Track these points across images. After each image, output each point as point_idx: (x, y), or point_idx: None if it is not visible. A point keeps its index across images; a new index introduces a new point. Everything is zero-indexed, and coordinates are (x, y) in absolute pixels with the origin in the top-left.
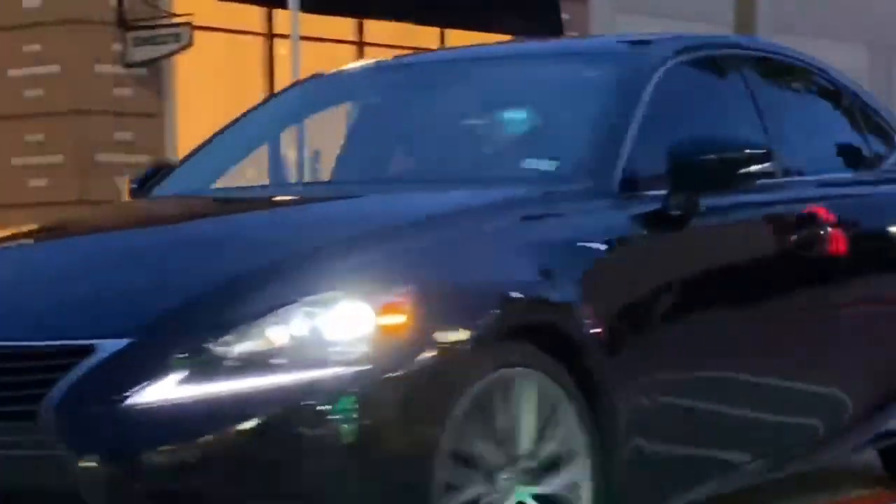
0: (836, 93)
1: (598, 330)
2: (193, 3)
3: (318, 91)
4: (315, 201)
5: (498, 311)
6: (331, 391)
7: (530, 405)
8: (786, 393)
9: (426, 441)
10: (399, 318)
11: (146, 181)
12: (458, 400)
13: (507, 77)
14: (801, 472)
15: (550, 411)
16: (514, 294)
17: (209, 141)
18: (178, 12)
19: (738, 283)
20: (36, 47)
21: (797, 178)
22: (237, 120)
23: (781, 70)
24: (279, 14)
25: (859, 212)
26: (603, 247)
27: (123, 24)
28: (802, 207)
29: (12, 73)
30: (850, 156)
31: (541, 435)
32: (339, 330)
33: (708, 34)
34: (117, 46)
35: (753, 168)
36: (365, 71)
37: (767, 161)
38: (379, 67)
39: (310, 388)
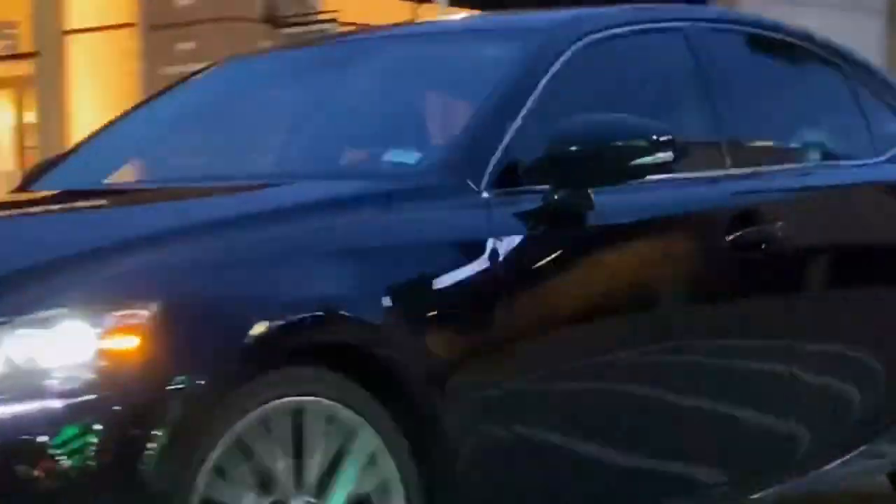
0: (836, 72)
1: (435, 352)
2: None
3: (221, 78)
4: (124, 202)
5: (276, 331)
6: (44, 426)
7: (324, 445)
8: (706, 431)
9: (165, 497)
10: (131, 341)
11: (36, 173)
12: (212, 441)
13: (398, 59)
14: (801, 494)
15: (356, 451)
16: (305, 310)
17: (103, 129)
18: (325, 9)
19: (637, 295)
20: (190, 45)
21: (756, 169)
22: (134, 109)
23: (760, 47)
24: (426, 8)
25: (827, 207)
26: (452, 252)
27: (272, 21)
28: (752, 202)
29: (167, 70)
30: (842, 141)
31: (340, 479)
32: (57, 355)
33: (658, 7)
34: (267, 44)
35: (652, 158)
36: (261, 57)
37: (669, 150)
38: (274, 52)
39: (20, 423)
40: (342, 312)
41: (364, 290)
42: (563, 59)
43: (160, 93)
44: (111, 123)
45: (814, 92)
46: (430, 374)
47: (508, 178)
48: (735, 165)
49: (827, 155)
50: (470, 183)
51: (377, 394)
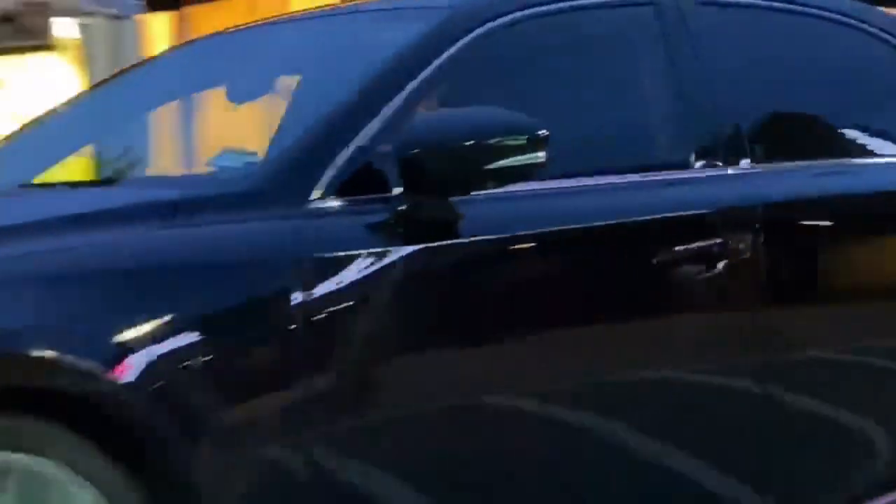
0: (887, 53)
1: (205, 404)
2: None
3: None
4: None
5: None
6: None
7: None
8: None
9: None
10: None
11: None
12: None
13: (286, 47)
14: None
15: None
16: None
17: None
18: None
19: (505, 328)
20: None
21: (733, 171)
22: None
23: (777, 26)
24: None
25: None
26: (245, 274)
27: None
28: (706, 210)
29: None
30: (867, 136)
31: None
32: None
33: None
34: None
35: (515, 160)
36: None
37: (539, 150)
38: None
39: None
40: (37, 352)
41: (91, 325)
42: (461, 44)
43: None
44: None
45: (850, 78)
46: (196, 432)
47: (364, 184)
48: (708, 167)
49: (861, 152)
50: (300, 190)
51: (119, 456)
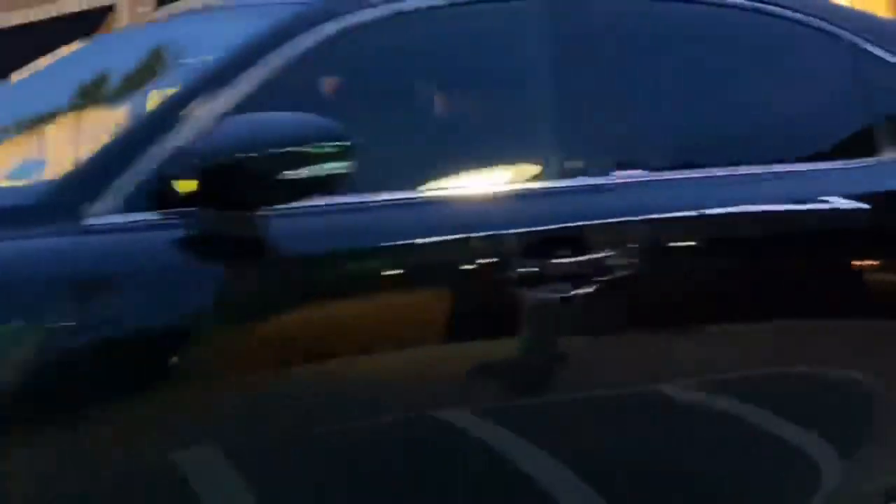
0: (828, 42)
1: None
2: None
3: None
4: None
5: None
6: None
7: None
8: None
9: None
10: None
11: None
12: None
13: (142, 47)
14: None
15: None
16: None
17: None
18: None
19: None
20: None
21: (597, 182)
22: None
23: (686, 17)
24: None
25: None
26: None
27: None
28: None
29: None
30: (815, 136)
31: None
32: None
33: None
34: None
35: (312, 171)
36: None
37: (343, 160)
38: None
39: None
40: None
41: None
42: (295, 45)
43: None
44: None
45: (775, 76)
46: None
47: (174, 197)
48: (580, 175)
49: (780, 158)
50: (77, 205)
51: None
